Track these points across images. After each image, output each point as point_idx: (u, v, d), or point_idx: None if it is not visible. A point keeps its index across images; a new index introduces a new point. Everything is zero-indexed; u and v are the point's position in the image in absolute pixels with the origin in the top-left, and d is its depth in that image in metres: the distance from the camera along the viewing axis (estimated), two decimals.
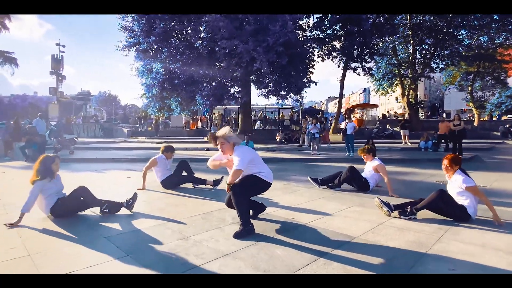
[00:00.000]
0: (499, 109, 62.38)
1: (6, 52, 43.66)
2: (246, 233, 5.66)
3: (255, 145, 21.99)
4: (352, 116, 49.27)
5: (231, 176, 5.95)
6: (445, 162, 6.91)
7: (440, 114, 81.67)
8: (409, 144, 27.04)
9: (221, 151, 6.34)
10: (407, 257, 4.88)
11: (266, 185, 6.33)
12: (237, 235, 5.62)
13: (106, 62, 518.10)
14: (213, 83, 28.08)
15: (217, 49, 24.30)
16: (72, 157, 18.42)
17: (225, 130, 6.32)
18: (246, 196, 6.10)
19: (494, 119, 56.07)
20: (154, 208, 7.80)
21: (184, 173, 10.40)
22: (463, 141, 19.18)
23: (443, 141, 21.47)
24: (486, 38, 39.70)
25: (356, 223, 6.50)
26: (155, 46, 26.54)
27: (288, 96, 29.51)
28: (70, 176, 11.95)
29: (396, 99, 73.01)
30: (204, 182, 10.11)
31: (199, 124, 48.11)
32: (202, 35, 26.75)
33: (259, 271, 4.30)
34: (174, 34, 26.86)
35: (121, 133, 41.80)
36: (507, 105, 62.24)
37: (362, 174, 9.43)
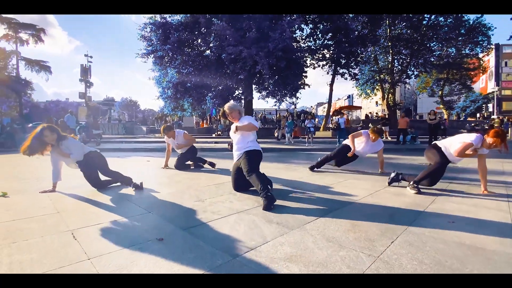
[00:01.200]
0: (465, 112, 62.36)
1: (41, 61, 43.45)
2: (271, 201, 4.89)
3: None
4: (339, 116, 49.12)
5: (247, 126, 5.83)
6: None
7: (413, 117, 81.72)
8: (389, 138, 26.83)
9: (232, 118, 6.07)
10: (407, 213, 4.67)
11: (261, 156, 6.10)
12: (267, 207, 4.80)
13: (125, 72, 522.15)
14: (220, 87, 27.68)
15: (223, 55, 24.06)
16: (98, 148, 18.04)
17: (230, 103, 6.26)
18: (257, 166, 5.86)
19: (461, 119, 56.14)
20: (172, 181, 7.48)
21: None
22: (438, 134, 19.17)
23: (402, 134, 21.65)
24: (454, 50, 39.64)
25: (355, 191, 6.19)
26: (170, 54, 26.30)
27: (284, 99, 29.30)
28: None
29: (376, 103, 72.91)
30: (204, 161, 9.83)
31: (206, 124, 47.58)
32: (211, 44, 26.56)
33: (272, 224, 4.11)
34: (186, 43, 26.55)
35: (141, 131, 41.02)
36: (471, 109, 62.32)
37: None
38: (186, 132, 9.80)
